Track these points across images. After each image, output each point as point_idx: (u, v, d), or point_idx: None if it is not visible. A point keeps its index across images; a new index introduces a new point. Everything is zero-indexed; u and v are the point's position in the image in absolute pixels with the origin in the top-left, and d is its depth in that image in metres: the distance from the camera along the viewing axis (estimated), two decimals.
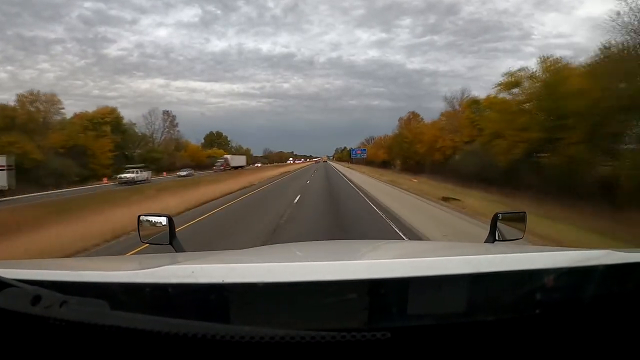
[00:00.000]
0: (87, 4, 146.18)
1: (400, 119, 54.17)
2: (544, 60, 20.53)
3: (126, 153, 47.65)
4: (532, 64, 21.57)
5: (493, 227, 1.58)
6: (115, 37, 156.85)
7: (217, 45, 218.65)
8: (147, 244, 1.63)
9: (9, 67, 71.73)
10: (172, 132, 58.82)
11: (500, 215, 1.59)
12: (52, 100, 37.91)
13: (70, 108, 45.36)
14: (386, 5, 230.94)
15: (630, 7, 14.91)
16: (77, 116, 43.55)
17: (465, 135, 30.72)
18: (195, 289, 0.70)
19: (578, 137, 15.91)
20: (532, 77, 20.53)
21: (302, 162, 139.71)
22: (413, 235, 7.96)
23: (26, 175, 29.14)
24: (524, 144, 18.88)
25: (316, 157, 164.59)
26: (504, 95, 22.51)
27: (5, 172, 22.40)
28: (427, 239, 7.36)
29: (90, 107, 46.77)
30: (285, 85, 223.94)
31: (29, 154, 30.28)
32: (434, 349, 0.65)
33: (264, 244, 6.60)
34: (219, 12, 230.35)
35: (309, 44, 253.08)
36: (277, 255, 1.38)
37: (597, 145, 15.51)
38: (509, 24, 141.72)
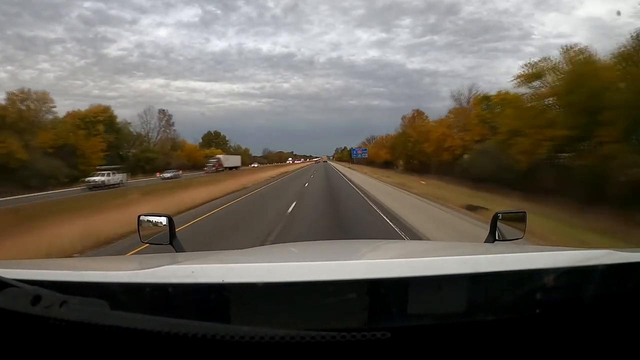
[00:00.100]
0: (87, 4, 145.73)
1: (404, 117, 52.23)
2: (566, 50, 18.58)
3: (120, 153, 46.31)
4: (547, 55, 19.62)
5: (493, 227, 1.58)
6: (115, 37, 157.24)
7: (217, 45, 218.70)
8: (147, 244, 1.62)
9: (9, 67, 71.95)
10: (168, 131, 57.77)
11: (500, 215, 1.59)
12: (43, 99, 37.01)
13: (71, 108, 44.65)
14: (386, 5, 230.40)
15: None
16: (70, 115, 41.87)
17: (475, 134, 28.82)
18: (195, 288, 0.70)
19: (613, 134, 13.94)
20: (554, 68, 18.58)
21: (302, 162, 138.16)
22: None
23: (11, 176, 27.81)
24: (549, 142, 16.90)
25: (316, 157, 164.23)
26: (523, 89, 20.35)
27: None
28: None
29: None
30: (285, 85, 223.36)
31: (15, 154, 28.86)
32: (434, 348, 0.65)
33: None
34: (219, 12, 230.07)
35: (309, 44, 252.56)
36: (277, 255, 1.37)
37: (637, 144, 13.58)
38: (509, 24, 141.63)
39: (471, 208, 11.57)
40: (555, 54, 18.97)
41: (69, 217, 9.41)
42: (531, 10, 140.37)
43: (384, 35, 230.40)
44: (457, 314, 0.68)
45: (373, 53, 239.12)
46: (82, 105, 43.65)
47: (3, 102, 32.59)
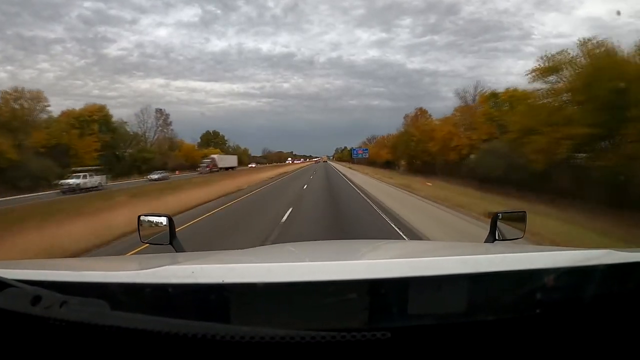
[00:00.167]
0: (86, 4, 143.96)
1: (406, 116, 50.96)
2: (583, 43, 17.40)
3: (117, 153, 45.18)
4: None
5: (493, 227, 1.58)
6: (115, 37, 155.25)
7: (217, 45, 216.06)
8: (147, 244, 1.64)
9: (9, 67, 70.82)
10: (165, 130, 56.84)
11: (500, 214, 1.60)
12: (37, 98, 36.14)
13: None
14: (386, 5, 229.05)
15: None
16: (64, 114, 40.92)
17: (483, 133, 27.70)
18: (195, 289, 0.70)
19: None
20: (571, 62, 17.36)
21: (302, 162, 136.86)
22: None
23: (1, 176, 26.42)
24: (568, 141, 15.64)
25: (316, 157, 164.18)
26: (538, 84, 19.05)
27: None
28: None
29: None
30: (285, 85, 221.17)
31: (5, 154, 27.84)
32: (435, 348, 0.66)
33: None
34: (219, 11, 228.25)
35: (309, 43, 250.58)
36: (277, 255, 1.38)
37: None
38: (509, 24, 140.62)
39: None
40: (572, 47, 17.85)
41: (23, 228, 8.05)
42: (531, 10, 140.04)
43: (384, 35, 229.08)
44: (457, 314, 0.68)
45: (373, 53, 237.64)
46: (82, 106, 42.69)
47: None
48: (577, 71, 16.89)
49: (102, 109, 43.66)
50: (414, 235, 8.18)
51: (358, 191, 19.31)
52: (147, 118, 53.62)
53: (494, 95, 30.38)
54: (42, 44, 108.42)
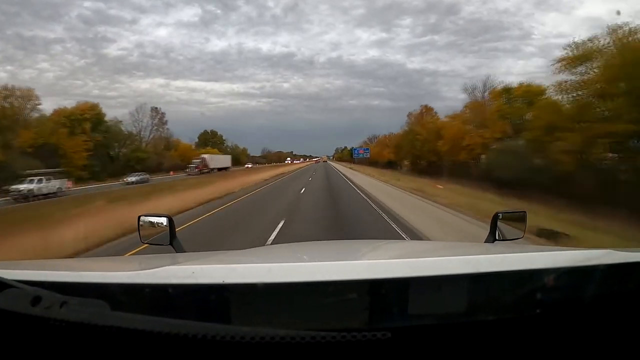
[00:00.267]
0: (86, 4, 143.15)
1: (410, 114, 49.04)
2: (613, 30, 15.53)
3: (110, 153, 43.27)
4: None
5: (493, 227, 1.58)
6: (115, 37, 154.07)
7: (217, 44, 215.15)
8: (147, 244, 1.63)
9: (9, 67, 68.90)
10: (161, 130, 55.13)
11: (500, 214, 1.59)
12: (28, 96, 34.26)
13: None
14: (386, 5, 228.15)
15: None
16: (55, 112, 39.13)
17: (496, 131, 25.89)
18: (196, 289, 0.71)
19: None
20: (602, 51, 15.45)
21: (301, 162, 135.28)
22: None
23: None
24: (605, 140, 13.69)
25: (316, 157, 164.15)
26: (564, 75, 17.09)
27: None
28: None
29: None
30: (285, 85, 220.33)
31: None
32: (435, 349, 0.66)
33: None
34: (218, 11, 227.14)
35: (309, 43, 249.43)
36: (277, 256, 1.38)
37: None
38: (509, 24, 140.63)
39: (548, 234, 7.39)
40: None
41: None
42: (531, 10, 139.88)
43: (384, 35, 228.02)
44: (457, 314, 0.69)
45: (373, 53, 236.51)
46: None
47: None
48: (612, 60, 14.94)
49: (94, 107, 42.46)
50: None
51: (363, 195, 16.65)
52: (143, 117, 52.54)
53: (506, 90, 28.36)
54: (41, 44, 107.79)
